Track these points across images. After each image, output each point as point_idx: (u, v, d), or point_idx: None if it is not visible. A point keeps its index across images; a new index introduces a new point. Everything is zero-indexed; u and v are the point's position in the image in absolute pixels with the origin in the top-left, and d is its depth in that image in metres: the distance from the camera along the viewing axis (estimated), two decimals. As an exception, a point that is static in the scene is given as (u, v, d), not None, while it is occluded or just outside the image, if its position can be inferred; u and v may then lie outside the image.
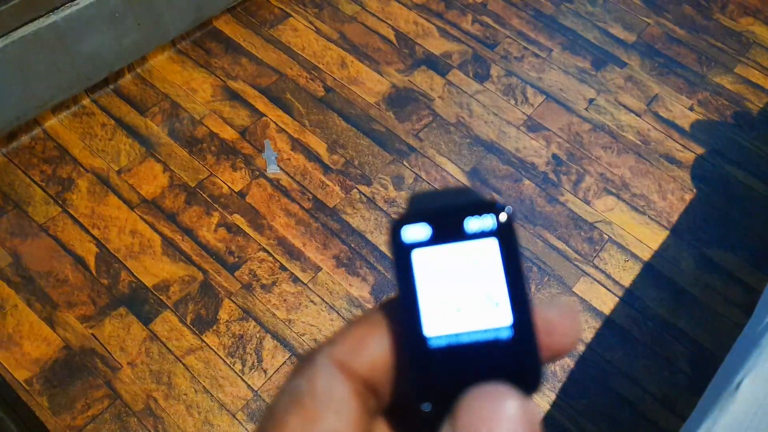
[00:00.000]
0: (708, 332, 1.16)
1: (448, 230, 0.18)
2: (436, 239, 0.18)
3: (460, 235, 0.18)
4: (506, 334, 0.17)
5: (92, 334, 1.06)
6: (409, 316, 0.17)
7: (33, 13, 1.14)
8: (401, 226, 0.18)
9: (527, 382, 0.16)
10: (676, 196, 1.34)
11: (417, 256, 0.18)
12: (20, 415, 0.99)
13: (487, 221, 0.18)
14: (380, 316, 0.18)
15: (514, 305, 0.17)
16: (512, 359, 0.17)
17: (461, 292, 0.17)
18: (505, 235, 0.18)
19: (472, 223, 0.18)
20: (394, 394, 0.18)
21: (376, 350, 0.17)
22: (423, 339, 0.17)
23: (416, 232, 0.18)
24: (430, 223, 0.18)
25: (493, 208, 0.18)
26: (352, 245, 1.20)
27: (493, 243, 0.18)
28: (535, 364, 0.17)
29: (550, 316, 0.17)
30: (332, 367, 0.17)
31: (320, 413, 0.16)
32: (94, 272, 1.12)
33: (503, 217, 0.18)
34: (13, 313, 1.07)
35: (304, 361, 0.18)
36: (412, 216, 0.18)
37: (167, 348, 1.06)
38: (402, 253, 0.18)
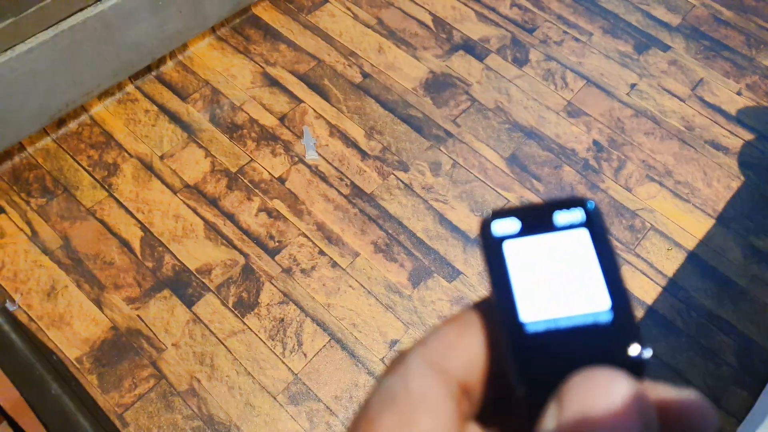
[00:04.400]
0: (755, 324, 1.13)
1: (538, 223, 0.18)
2: (526, 232, 0.18)
3: (550, 227, 0.18)
4: (606, 318, 0.17)
5: (138, 316, 1.09)
6: (504, 303, 0.17)
7: (82, 2, 1.16)
8: (492, 221, 0.18)
9: (631, 366, 0.16)
10: (722, 184, 1.30)
11: (509, 248, 0.18)
12: (75, 392, 1.03)
13: (575, 214, 0.18)
14: (474, 316, 0.18)
15: (611, 289, 0.17)
16: (613, 343, 0.16)
17: (556, 278, 0.17)
18: (594, 225, 0.18)
19: (560, 217, 0.18)
20: (487, 398, 0.17)
21: (470, 351, 0.17)
22: (520, 325, 0.17)
23: (507, 226, 0.18)
24: (519, 217, 0.18)
25: (580, 202, 0.18)
26: (390, 231, 1.20)
27: (583, 233, 0.18)
28: (637, 348, 0.16)
29: (684, 400, 0.16)
30: (426, 368, 0.17)
31: (415, 415, 0.16)
32: (139, 255, 1.15)
33: (590, 209, 0.18)
34: (64, 294, 1.11)
35: (397, 361, 0.17)
36: (502, 211, 0.18)
37: (210, 330, 1.08)
38: (494, 245, 0.18)
